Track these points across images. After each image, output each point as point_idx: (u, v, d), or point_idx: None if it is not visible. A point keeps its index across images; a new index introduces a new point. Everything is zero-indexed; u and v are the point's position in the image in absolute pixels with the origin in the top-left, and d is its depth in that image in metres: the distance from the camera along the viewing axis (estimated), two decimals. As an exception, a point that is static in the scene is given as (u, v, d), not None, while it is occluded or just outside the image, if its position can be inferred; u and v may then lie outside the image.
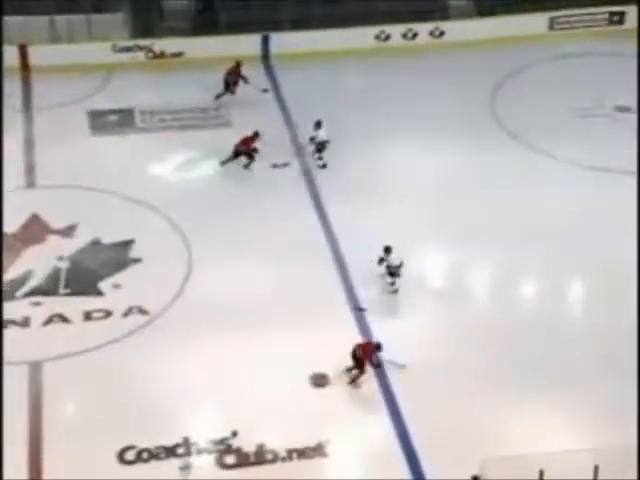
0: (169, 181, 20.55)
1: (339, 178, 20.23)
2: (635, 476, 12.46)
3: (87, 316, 16.74)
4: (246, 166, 20.48)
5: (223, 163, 20.49)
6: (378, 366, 15.21)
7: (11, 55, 23.20)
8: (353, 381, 15.32)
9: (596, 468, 12.26)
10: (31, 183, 20.12)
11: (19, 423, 14.37)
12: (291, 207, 19.37)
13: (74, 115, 22.16)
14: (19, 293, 17.13)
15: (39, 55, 23.63)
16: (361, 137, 20.83)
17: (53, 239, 18.50)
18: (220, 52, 23.79)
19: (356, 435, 14.60)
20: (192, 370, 15.55)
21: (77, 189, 19.85)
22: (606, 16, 25.60)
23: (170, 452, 14.25)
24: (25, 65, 23.68)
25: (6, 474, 12.62)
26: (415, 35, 25.16)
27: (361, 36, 24.75)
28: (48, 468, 13.99)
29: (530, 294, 17.94)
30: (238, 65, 22.59)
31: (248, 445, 14.35)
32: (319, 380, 15.46)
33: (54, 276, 17.60)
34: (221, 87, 22.62)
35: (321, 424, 14.68)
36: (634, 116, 22.36)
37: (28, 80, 23.49)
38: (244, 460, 14.22)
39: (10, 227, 18.37)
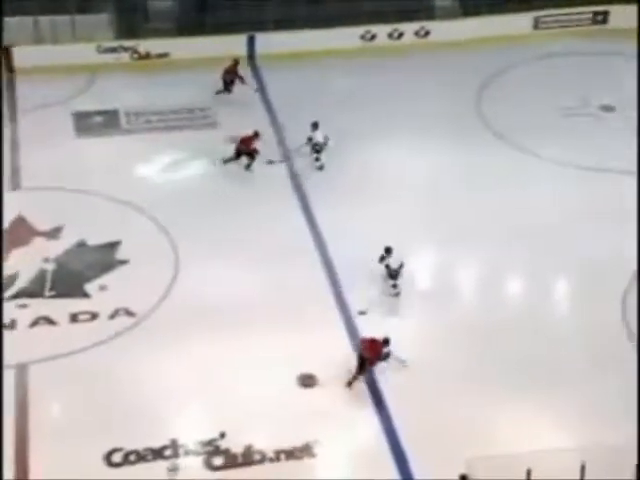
0: (155, 182, 20.50)
1: (326, 179, 20.23)
2: (621, 474, 12.51)
3: (73, 318, 16.68)
4: (247, 167, 20.35)
5: (225, 162, 20.36)
6: (387, 357, 15.15)
7: (-6, 56, 23.14)
8: (350, 384, 15.25)
9: (583, 467, 12.32)
10: (16, 185, 20.02)
11: (5, 425, 14.26)
12: (278, 208, 19.34)
13: (59, 116, 22.08)
14: (5, 295, 17.03)
15: (23, 56, 23.52)
16: (347, 137, 20.82)
17: (39, 241, 18.41)
18: (205, 53, 23.78)
19: (344, 435, 14.60)
20: (179, 372, 15.51)
21: (62, 191, 19.77)
22: (590, 16, 25.74)
23: (157, 454, 14.21)
24: (9, 66, 23.56)
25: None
26: (401, 35, 25.21)
27: (347, 36, 24.76)
28: (34, 470, 13.92)
29: (517, 293, 17.99)
30: (236, 64, 22.61)
31: (236, 446, 14.33)
32: (307, 381, 15.46)
33: (40, 278, 17.52)
34: (208, 88, 22.63)
35: (309, 425, 14.67)
36: (619, 115, 22.49)
37: (12, 82, 23.38)
38: (232, 461, 14.20)
39: (-5, 229, 18.30)
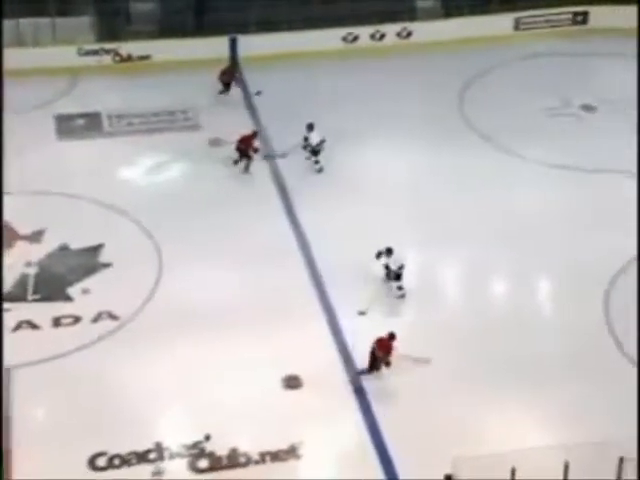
0: (138, 185, 20.45)
1: (310, 181, 20.23)
2: (604, 472, 12.58)
3: (56, 322, 16.60)
4: (245, 169, 20.32)
5: (236, 162, 20.29)
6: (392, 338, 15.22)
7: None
8: (362, 373, 15.36)
9: (567, 464, 12.37)
10: (-3, 188, 19.91)
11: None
12: (262, 210, 19.33)
13: (40, 120, 21.98)
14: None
15: (4, 59, 23.34)
16: (331, 139, 20.78)
17: (21, 245, 18.31)
18: (187, 55, 23.75)
19: (329, 436, 14.60)
20: (163, 375, 15.46)
21: (44, 194, 19.67)
22: (570, 16, 25.90)
23: (142, 458, 14.16)
24: (-10, 69, 23.44)
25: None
26: (383, 36, 25.26)
27: (329, 38, 24.79)
28: (18, 475, 13.82)
29: (502, 294, 18.05)
30: (233, 65, 22.59)
31: (221, 449, 14.30)
32: (291, 382, 15.45)
33: (22, 282, 17.42)
34: (190, 90, 22.64)
35: (294, 426, 14.67)
36: (600, 115, 22.63)
37: (-8, 84, 23.26)
38: (217, 464, 14.17)
39: (-24, 233, 18.19)
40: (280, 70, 23.48)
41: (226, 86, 22.63)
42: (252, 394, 15.13)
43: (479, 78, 24.02)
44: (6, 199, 19.59)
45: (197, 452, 14.26)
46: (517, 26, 25.82)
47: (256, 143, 20.33)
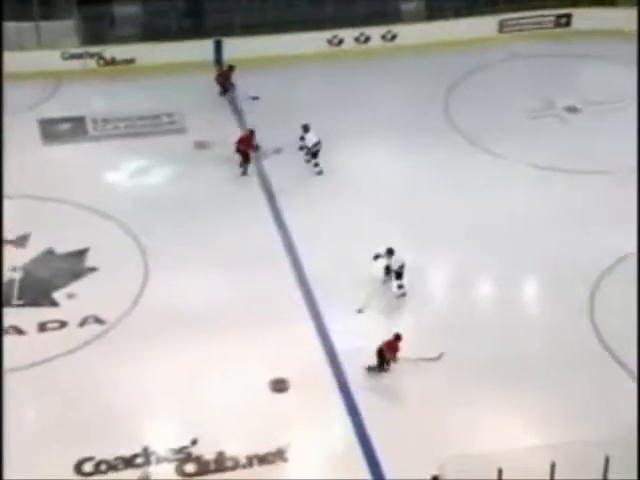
0: (124, 189, 20.40)
1: (296, 183, 20.24)
2: (590, 471, 12.65)
3: (42, 327, 16.54)
4: (244, 172, 20.31)
5: (242, 166, 20.31)
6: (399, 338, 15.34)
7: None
8: (371, 369, 15.47)
9: (553, 464, 12.44)
10: (-18, 193, 19.82)
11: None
12: (249, 213, 19.33)
13: (25, 124, 21.87)
14: (-28, 305, 16.88)
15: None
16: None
17: (6, 249, 18.22)
18: (172, 58, 23.71)
19: (317, 439, 14.62)
20: (150, 379, 15.44)
21: (29, 198, 19.59)
22: (553, 18, 26.04)
23: (129, 463, 14.12)
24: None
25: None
26: (368, 39, 25.31)
27: (314, 41, 24.80)
28: (4, 481, 13.79)
29: (486, 294, 18.12)
30: (230, 69, 22.58)
31: (208, 453, 14.28)
32: (279, 385, 15.45)
33: (7, 287, 17.34)
34: (175, 93, 22.61)
35: (281, 429, 14.67)
36: (584, 116, 22.76)
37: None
38: (204, 468, 14.15)
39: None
40: (265, 73, 23.48)
41: (224, 87, 22.59)
42: (239, 397, 15.12)
43: (463, 80, 24.11)
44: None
45: (184, 456, 14.25)
46: (501, 28, 25.93)
47: (255, 141, 20.30)
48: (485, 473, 12.43)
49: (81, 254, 18.14)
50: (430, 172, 20.67)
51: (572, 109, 23.05)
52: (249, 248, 18.23)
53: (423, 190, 20.06)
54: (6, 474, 12.66)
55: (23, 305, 17.04)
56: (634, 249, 18.06)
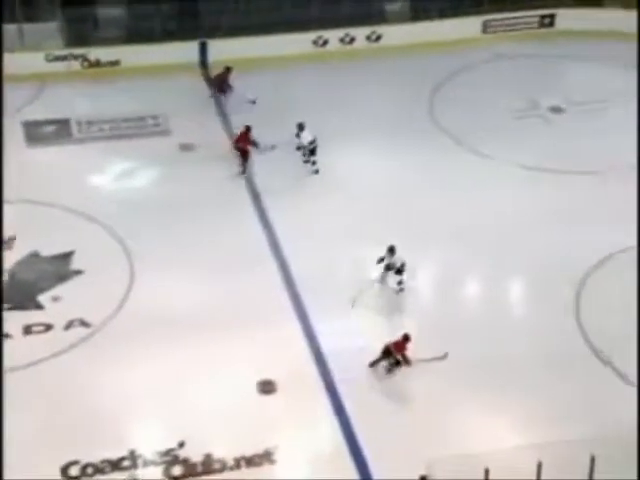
0: (109, 191, 20.33)
1: (282, 184, 20.23)
2: (577, 470, 12.71)
3: (27, 330, 16.45)
4: (243, 172, 20.31)
5: (242, 165, 20.36)
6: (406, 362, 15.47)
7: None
8: (389, 370, 15.50)
9: (539, 464, 12.48)
10: (-34, 196, 19.71)
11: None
12: (235, 215, 19.31)
13: (9, 126, 21.72)
14: (-44, 309, 16.78)
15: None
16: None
17: (-10, 252, 18.16)
18: (157, 60, 23.66)
19: (304, 440, 14.62)
20: (136, 382, 15.39)
21: (14, 201, 19.45)
22: (537, 19, 26.16)
23: (115, 466, 14.08)
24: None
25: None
26: (352, 40, 25.35)
27: (299, 42, 24.82)
28: (-10, 486, 13.70)
29: (474, 294, 18.14)
30: (227, 71, 22.55)
31: (195, 455, 14.25)
32: (266, 387, 15.44)
33: (-8, 290, 17.29)
34: (160, 95, 22.57)
35: (268, 431, 14.66)
36: (568, 116, 22.87)
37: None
38: (191, 470, 14.12)
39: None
40: (250, 74, 23.43)
41: (220, 89, 22.58)
42: (226, 399, 15.10)
43: (448, 80, 24.18)
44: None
45: (171, 459, 14.21)
46: (485, 29, 26.03)
47: (252, 137, 20.33)
48: (472, 473, 12.46)
49: (66, 257, 18.07)
50: (416, 172, 20.71)
51: (556, 109, 23.15)
52: (235, 250, 18.21)
53: (410, 191, 20.09)
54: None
55: (8, 308, 16.93)
56: (620, 248, 18.16)
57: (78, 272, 17.74)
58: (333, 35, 25.13)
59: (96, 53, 24.02)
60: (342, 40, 25.31)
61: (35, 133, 21.85)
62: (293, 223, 18.98)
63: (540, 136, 22.20)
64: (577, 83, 24.29)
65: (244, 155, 20.38)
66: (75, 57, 23.94)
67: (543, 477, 12.60)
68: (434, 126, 22.44)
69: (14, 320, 16.57)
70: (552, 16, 26.10)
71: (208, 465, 14.16)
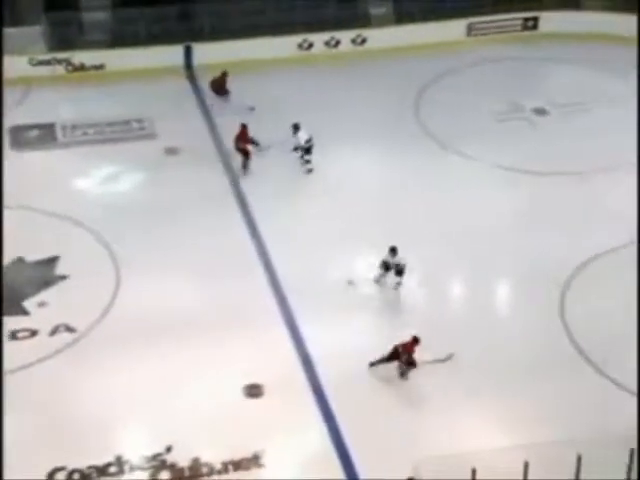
0: (94, 195, 20.27)
1: (268, 188, 20.22)
2: (563, 471, 12.76)
3: (13, 336, 16.37)
4: (245, 167, 20.35)
5: (244, 166, 20.43)
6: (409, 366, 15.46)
7: None
8: (402, 374, 15.48)
9: (526, 464, 12.53)
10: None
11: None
12: (221, 218, 19.28)
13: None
14: (-59, 315, 16.68)
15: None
16: (287, 146, 20.86)
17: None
18: (141, 64, 23.63)
19: (291, 444, 14.61)
20: (123, 387, 15.34)
21: (-2, 207, 19.42)
22: (520, 22, 26.30)
23: (102, 472, 14.03)
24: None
25: None
26: (337, 43, 25.39)
27: (284, 45, 24.84)
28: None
29: (459, 296, 18.20)
30: (224, 75, 22.51)
31: (183, 460, 14.22)
32: (253, 391, 15.43)
33: (-23, 296, 17.20)
34: (144, 99, 22.53)
35: (256, 435, 14.64)
36: (551, 118, 22.98)
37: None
38: (179, 475, 14.08)
39: None
40: (236, 78, 23.40)
41: (218, 94, 22.57)
42: (213, 403, 15.08)
43: (433, 83, 24.25)
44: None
45: (158, 464, 14.17)
46: (469, 32, 26.13)
47: (249, 135, 20.35)
48: (459, 473, 12.49)
49: (51, 262, 18.00)
50: (402, 175, 20.75)
51: (540, 111, 23.27)
52: (222, 254, 18.18)
53: (395, 193, 20.12)
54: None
55: (-7, 314, 16.88)
56: (604, 249, 18.25)
57: (63, 277, 17.68)
58: (318, 38, 25.16)
59: (80, 57, 23.96)
60: (327, 43, 25.35)
61: (20, 138, 21.76)
62: (279, 226, 18.98)
63: (524, 138, 22.30)
64: (560, 85, 24.40)
65: (245, 154, 20.38)
66: (59, 61, 23.88)
67: (530, 477, 12.65)
68: (420, 128, 22.50)
69: (0, 326, 16.52)
70: (535, 19, 26.25)
71: (196, 469, 14.12)
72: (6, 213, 19.18)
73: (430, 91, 23.96)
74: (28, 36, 23.78)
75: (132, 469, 14.10)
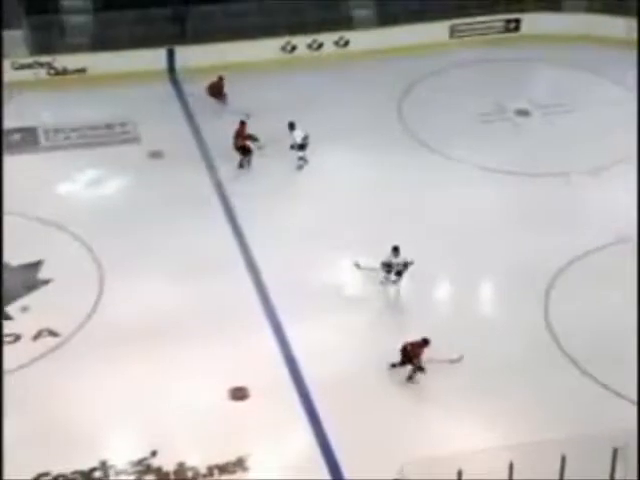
0: (77, 199, 20.18)
1: (252, 190, 20.20)
2: (548, 471, 12.81)
3: (-5, 341, 16.31)
4: (246, 163, 20.35)
5: (241, 166, 20.44)
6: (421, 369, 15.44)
7: None
8: (410, 378, 15.45)
9: (511, 465, 12.56)
10: None
11: None
12: (204, 221, 19.24)
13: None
14: None
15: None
16: (270, 147, 20.84)
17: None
18: (124, 67, 23.54)
19: (277, 447, 14.59)
20: (107, 391, 15.28)
21: (-20, 211, 19.29)
22: (503, 23, 26.42)
23: (87, 477, 13.95)
24: None
25: None
26: (320, 45, 25.41)
27: (267, 48, 24.83)
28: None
29: (445, 296, 18.24)
30: (220, 80, 22.45)
31: (168, 464, 14.17)
32: (238, 393, 15.39)
33: (-41, 301, 17.08)
34: (127, 102, 22.47)
35: (241, 438, 14.61)
36: (533, 119, 23.09)
37: None
38: (164, 479, 14.03)
39: None
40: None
41: (216, 99, 22.54)
42: (198, 407, 15.04)
43: (416, 85, 24.31)
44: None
45: (143, 468, 14.12)
46: (452, 33, 26.21)
47: (247, 132, 20.36)
48: (445, 475, 12.50)
49: (35, 266, 17.90)
50: (388, 176, 20.75)
51: (523, 112, 23.36)
52: (206, 256, 18.14)
53: (379, 194, 20.13)
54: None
55: (-24, 319, 16.77)
56: (588, 249, 18.34)
57: (47, 282, 17.58)
58: (301, 41, 25.16)
59: (62, 61, 23.85)
60: (310, 46, 25.36)
61: (2, 142, 21.62)
62: (264, 227, 18.96)
63: (507, 139, 22.40)
64: (543, 86, 24.54)
65: (244, 152, 20.38)
66: (41, 65, 23.76)
67: (515, 477, 12.68)
68: (404, 130, 22.54)
69: (-18, 331, 16.41)
70: (517, 20, 26.37)
71: (181, 473, 14.08)
72: (-12, 217, 19.15)
73: (414, 93, 24.02)
74: (9, 40, 23.62)
75: (117, 474, 14.04)
